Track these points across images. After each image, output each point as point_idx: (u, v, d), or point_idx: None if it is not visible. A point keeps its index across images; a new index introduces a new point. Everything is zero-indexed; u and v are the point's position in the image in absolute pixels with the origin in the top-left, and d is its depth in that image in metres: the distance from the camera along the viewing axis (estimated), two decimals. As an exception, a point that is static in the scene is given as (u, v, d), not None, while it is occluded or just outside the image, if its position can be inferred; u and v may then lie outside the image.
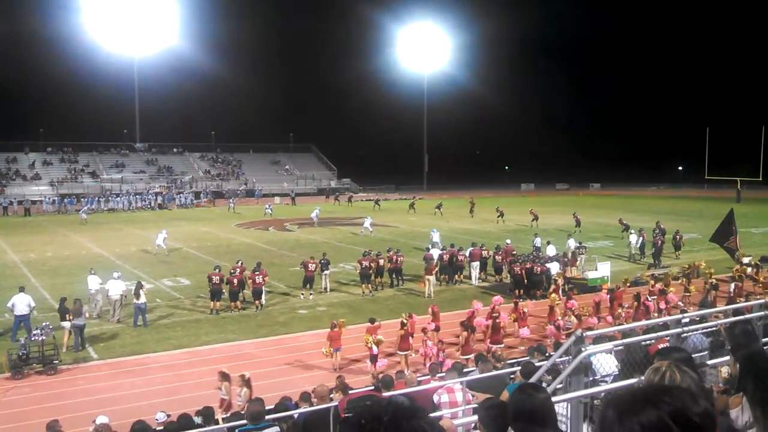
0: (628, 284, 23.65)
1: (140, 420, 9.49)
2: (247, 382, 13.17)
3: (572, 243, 32.08)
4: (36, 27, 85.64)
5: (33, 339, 17.37)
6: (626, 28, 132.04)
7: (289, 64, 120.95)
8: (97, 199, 65.71)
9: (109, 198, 67.04)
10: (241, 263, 25.24)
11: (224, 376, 13.57)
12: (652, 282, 23.69)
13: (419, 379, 12.49)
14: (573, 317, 19.85)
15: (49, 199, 65.11)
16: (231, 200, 65.10)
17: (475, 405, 8.46)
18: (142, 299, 21.42)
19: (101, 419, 10.06)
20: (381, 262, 27.22)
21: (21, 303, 19.59)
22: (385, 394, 9.53)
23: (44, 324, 17.96)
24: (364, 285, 26.20)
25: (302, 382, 15.62)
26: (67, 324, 19.19)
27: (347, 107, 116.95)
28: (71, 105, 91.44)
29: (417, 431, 1.70)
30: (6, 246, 39.08)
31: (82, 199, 63.17)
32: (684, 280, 25.13)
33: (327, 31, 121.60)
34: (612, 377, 7.66)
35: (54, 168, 78.48)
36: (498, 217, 49.54)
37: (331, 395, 9.84)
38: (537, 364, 10.11)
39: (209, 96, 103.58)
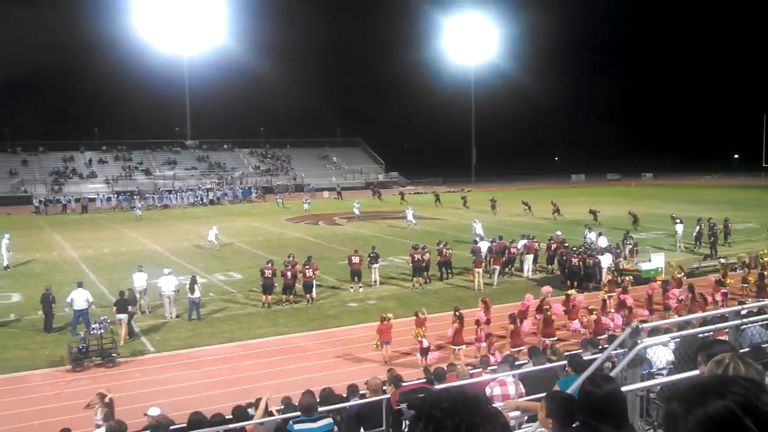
0: (683, 275, 23.10)
1: (197, 411, 9.67)
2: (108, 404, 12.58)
3: (592, 235, 31.65)
4: (91, 28, 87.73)
5: (92, 333, 17.86)
6: (679, 15, 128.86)
7: (336, 58, 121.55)
8: (152, 195, 67.27)
9: (163, 195, 68.43)
10: (293, 257, 25.49)
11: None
12: (718, 272, 23.20)
13: (470, 372, 12.46)
14: (591, 315, 19.03)
15: (104, 196, 66.85)
16: (279, 195, 65.79)
17: (531, 398, 8.41)
18: (197, 294, 21.85)
19: (153, 411, 10.28)
20: (427, 255, 27.20)
21: (80, 298, 20.13)
22: (438, 386, 9.54)
23: (102, 318, 18.43)
24: (415, 278, 26.29)
25: (352, 375, 15.69)
26: (123, 316, 19.70)
27: (394, 100, 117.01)
28: (124, 104, 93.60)
29: (477, 419, 1.70)
30: (65, 242, 40.24)
31: (135, 197, 64.53)
32: (744, 270, 24.50)
33: (374, 24, 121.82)
34: (667, 370, 7.53)
35: (109, 166, 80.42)
36: (554, 213, 46.98)
37: (384, 387, 9.88)
38: (590, 357, 9.99)
39: (258, 92, 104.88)
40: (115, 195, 67.66)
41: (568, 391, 4.67)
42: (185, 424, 9.60)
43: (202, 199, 69.08)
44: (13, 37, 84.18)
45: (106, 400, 12.11)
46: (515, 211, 50.36)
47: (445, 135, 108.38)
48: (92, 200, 65.15)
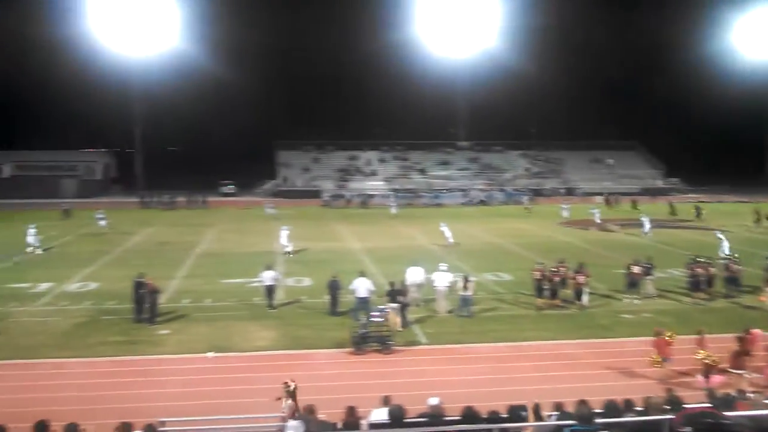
0: None
1: (469, 406, 9.90)
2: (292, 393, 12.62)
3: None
4: (378, 36, 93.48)
5: (372, 320, 19.11)
6: None
7: (608, 55, 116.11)
8: (426, 194, 70.47)
9: (436, 194, 71.25)
10: (563, 262, 25.01)
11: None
12: None
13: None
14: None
15: (384, 193, 71.46)
16: (525, 198, 65.14)
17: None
18: (470, 291, 22.37)
19: (433, 401, 10.67)
20: (712, 269, 25.07)
21: (362, 287, 21.64)
22: (728, 413, 8.77)
23: (381, 307, 19.63)
24: (696, 293, 24.49)
25: (625, 389, 14.95)
26: (394, 306, 20.78)
27: (677, 100, 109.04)
28: (404, 106, 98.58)
29: None
30: (348, 235, 43.55)
31: (390, 195, 67.74)
32: None
33: (656, 22, 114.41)
34: None
35: (388, 165, 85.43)
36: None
37: (664, 406, 9.31)
38: None
39: (530, 94, 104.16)
40: (393, 192, 71.80)
41: None
42: (458, 417, 9.86)
43: (472, 199, 70.61)
44: (301, 42, 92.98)
45: (291, 389, 12.80)
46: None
47: (737, 139, 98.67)
48: (372, 197, 69.84)
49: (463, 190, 73.95)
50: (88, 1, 74.01)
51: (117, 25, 74.35)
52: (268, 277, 23.92)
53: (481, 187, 76.79)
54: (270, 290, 23.91)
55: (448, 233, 37.98)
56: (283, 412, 11.93)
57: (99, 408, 14.18)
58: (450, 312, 22.83)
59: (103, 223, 45.83)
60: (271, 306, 23.74)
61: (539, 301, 23.38)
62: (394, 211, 56.63)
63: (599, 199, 66.23)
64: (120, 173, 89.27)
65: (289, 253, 34.75)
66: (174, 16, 75.97)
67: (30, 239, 36.09)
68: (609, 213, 56.36)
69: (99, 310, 23.53)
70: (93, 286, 27.67)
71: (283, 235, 36.16)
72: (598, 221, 48.31)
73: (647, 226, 41.89)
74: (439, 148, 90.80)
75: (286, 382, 12.68)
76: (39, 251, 35.95)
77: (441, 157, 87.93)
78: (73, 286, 27.62)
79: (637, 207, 57.99)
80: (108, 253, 35.98)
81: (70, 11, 76.22)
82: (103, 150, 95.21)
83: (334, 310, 22.70)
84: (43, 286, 27.45)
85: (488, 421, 9.14)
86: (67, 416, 10.31)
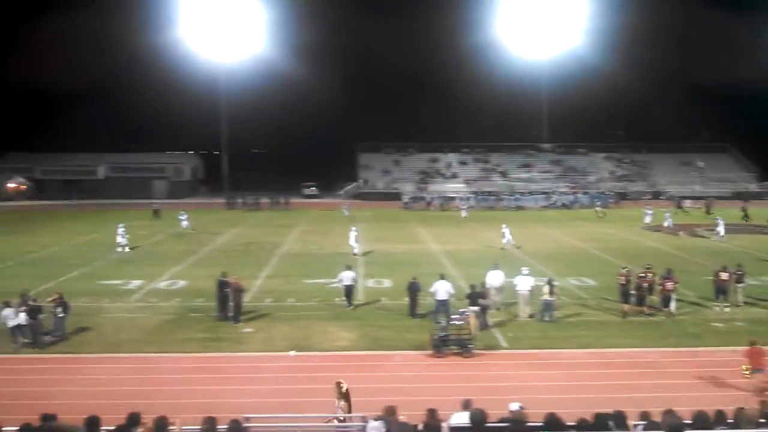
0: None
1: (552, 413, 9.71)
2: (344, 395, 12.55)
3: None
4: (462, 37, 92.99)
5: (452, 323, 19.03)
6: None
7: (699, 55, 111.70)
8: (507, 197, 69.77)
9: (517, 197, 70.35)
10: (650, 267, 24.25)
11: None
12: None
13: None
14: None
15: (464, 196, 71.12)
16: (598, 202, 63.29)
17: None
18: (553, 296, 21.98)
19: (514, 405, 10.52)
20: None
21: (442, 289, 21.59)
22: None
23: (462, 310, 19.52)
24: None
25: (715, 400, 14.37)
26: (474, 309, 20.62)
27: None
28: (485, 107, 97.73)
29: None
30: (428, 237, 43.52)
31: (461, 198, 67.19)
32: None
33: (737, 14, 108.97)
34: None
35: (469, 167, 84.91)
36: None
37: (759, 420, 8.89)
38: None
39: (615, 95, 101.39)
40: (474, 195, 71.34)
41: None
42: (541, 423, 9.68)
43: (555, 202, 69.38)
44: (384, 45, 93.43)
45: (343, 390, 12.79)
46: None
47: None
48: (451, 199, 69.59)
49: (545, 193, 72.78)
50: (180, 10, 76.78)
51: (206, 32, 76.81)
52: (347, 277, 24.15)
53: (563, 190, 75.36)
54: (349, 290, 24.14)
55: (508, 235, 37.75)
56: (341, 411, 12.08)
57: (185, 402, 14.62)
58: (531, 316, 22.49)
59: (185, 224, 47.30)
60: (350, 306, 23.97)
61: (625, 307, 22.74)
62: (464, 214, 56.17)
63: (676, 203, 63.65)
64: (207, 175, 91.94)
65: (356, 254, 34.96)
66: (259, 22, 77.83)
67: (119, 238, 37.54)
68: (682, 218, 53.96)
69: (186, 307, 24.30)
70: (181, 284, 28.60)
71: (352, 236, 36.48)
72: (670, 225, 46.58)
73: (721, 230, 40.54)
74: (521, 150, 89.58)
75: (339, 383, 12.82)
76: (126, 249, 37.34)
77: (523, 160, 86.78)
78: (162, 284, 28.62)
79: (711, 212, 55.53)
80: (195, 253, 37.11)
81: (162, 19, 79.23)
82: (191, 152, 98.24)
83: (413, 312, 22.72)
84: (135, 283, 28.55)
85: (575, 428, 8.93)
86: (155, 409, 10.68)
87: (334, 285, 26.12)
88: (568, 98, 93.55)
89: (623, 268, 23.92)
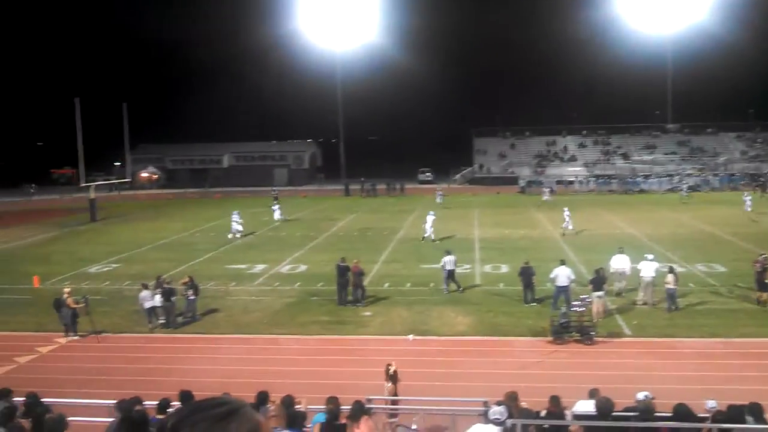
0: None
1: (682, 403, 9.38)
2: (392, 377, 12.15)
3: None
4: (571, 20, 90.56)
5: (572, 309, 18.65)
6: None
7: None
8: (630, 179, 67.31)
9: (638, 180, 67.73)
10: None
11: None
12: None
13: None
14: None
15: (584, 179, 69.26)
16: (684, 186, 58.87)
17: None
18: (672, 284, 21.05)
19: (641, 395, 10.23)
20: None
21: (562, 275, 21.15)
22: None
23: (583, 297, 19.09)
24: None
25: None
26: (599, 294, 20.10)
27: None
28: (605, 88, 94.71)
29: None
30: (546, 221, 42.66)
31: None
32: None
33: None
34: None
35: (588, 150, 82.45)
36: None
37: None
38: None
39: (745, 70, 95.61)
40: (594, 178, 69.32)
41: None
42: (669, 414, 9.39)
43: (681, 185, 66.17)
44: (498, 29, 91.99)
45: (391, 372, 12.66)
46: None
47: None
48: (571, 183, 67.98)
49: (670, 176, 69.60)
50: (297, 2, 78.93)
51: (322, 22, 78.62)
52: (449, 261, 24.26)
53: (690, 172, 71.80)
54: (450, 274, 24.25)
55: (568, 219, 36.55)
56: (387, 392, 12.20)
57: (309, 382, 15.11)
58: (654, 304, 21.68)
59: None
60: (455, 289, 24.16)
61: (764, 296, 21.44)
62: (546, 198, 53.98)
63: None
64: (324, 162, 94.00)
65: (424, 238, 34.60)
66: (373, 10, 78.74)
67: (234, 225, 38.55)
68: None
69: (308, 291, 25.04)
70: (302, 268, 29.48)
71: (429, 220, 36.06)
72: (749, 210, 42.95)
73: None
74: (644, 131, 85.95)
75: (388, 365, 12.93)
76: (238, 237, 38.03)
77: (646, 141, 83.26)
78: (284, 268, 29.60)
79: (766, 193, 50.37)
80: (315, 238, 38.09)
81: (281, 12, 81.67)
82: (309, 140, 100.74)
83: (526, 297, 22.40)
84: (259, 267, 29.67)
85: (711, 420, 8.59)
86: (281, 388, 11.15)
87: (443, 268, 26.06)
88: (694, 75, 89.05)
89: (761, 255, 22.57)
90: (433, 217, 36.28)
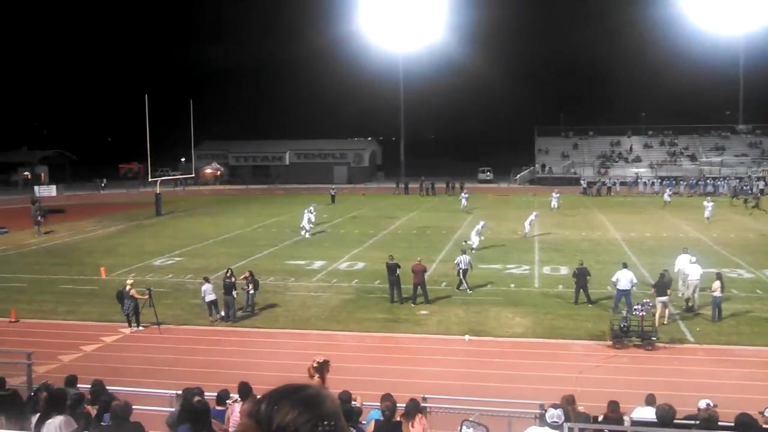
0: None
1: (746, 413, 9.10)
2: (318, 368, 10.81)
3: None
4: (640, 20, 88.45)
5: (633, 313, 18.27)
6: None
7: None
8: (695, 181, 65.40)
9: (707, 181, 65.77)
10: None
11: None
12: None
13: None
14: None
15: (648, 180, 67.69)
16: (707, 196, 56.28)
17: None
18: (718, 291, 20.22)
19: (703, 403, 9.98)
20: None
21: (624, 278, 20.70)
22: None
23: (645, 301, 18.67)
24: None
25: None
26: (663, 299, 19.62)
27: None
28: (672, 89, 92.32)
29: None
30: (609, 224, 41.91)
31: (665, 183, 63.22)
32: None
33: None
34: None
35: (653, 151, 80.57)
36: None
37: None
38: None
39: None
40: (659, 180, 67.62)
41: None
42: (731, 423, 9.13)
43: (751, 188, 64.05)
44: (562, 30, 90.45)
45: (315, 364, 12.06)
46: None
47: None
48: (635, 184, 66.61)
49: (740, 178, 67.41)
50: (360, 2, 79.63)
51: (385, 22, 79.05)
52: (463, 260, 24.39)
53: (760, 174, 69.40)
54: (464, 273, 24.39)
55: (528, 223, 36.32)
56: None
57: (366, 379, 15.21)
58: (696, 310, 20.98)
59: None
60: (461, 288, 24.26)
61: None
62: (667, 198, 52.56)
63: None
64: (384, 160, 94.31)
65: (473, 248, 32.27)
66: (436, 9, 78.64)
67: (305, 221, 38.62)
68: None
69: (365, 288, 25.18)
70: (360, 265, 29.65)
71: (477, 228, 33.45)
72: None
73: None
74: (714, 132, 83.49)
75: (314, 359, 12.32)
76: (306, 235, 37.60)
77: (715, 142, 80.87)
78: (342, 265, 29.82)
79: None
80: (373, 236, 38.26)
81: (346, 12, 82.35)
82: (369, 139, 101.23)
83: (577, 298, 22.08)
84: (317, 264, 29.97)
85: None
86: (338, 384, 11.23)
87: (511, 271, 25.94)
88: (766, 76, 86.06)
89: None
90: (482, 227, 33.73)
